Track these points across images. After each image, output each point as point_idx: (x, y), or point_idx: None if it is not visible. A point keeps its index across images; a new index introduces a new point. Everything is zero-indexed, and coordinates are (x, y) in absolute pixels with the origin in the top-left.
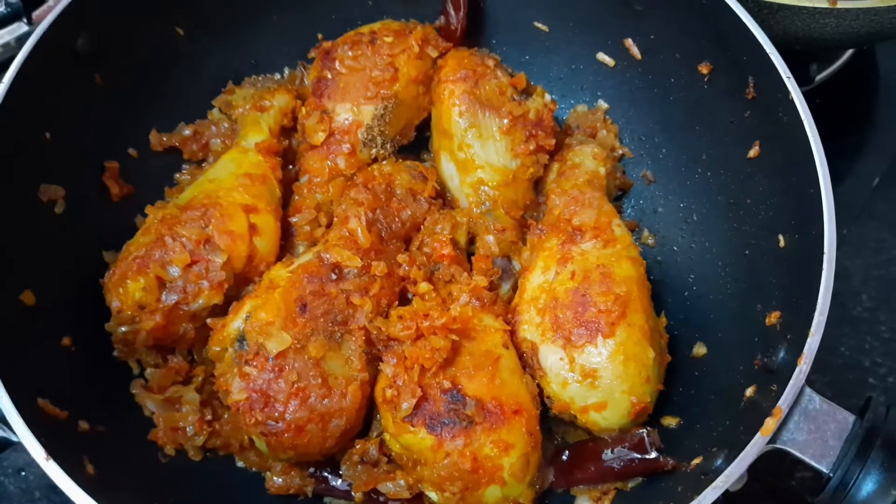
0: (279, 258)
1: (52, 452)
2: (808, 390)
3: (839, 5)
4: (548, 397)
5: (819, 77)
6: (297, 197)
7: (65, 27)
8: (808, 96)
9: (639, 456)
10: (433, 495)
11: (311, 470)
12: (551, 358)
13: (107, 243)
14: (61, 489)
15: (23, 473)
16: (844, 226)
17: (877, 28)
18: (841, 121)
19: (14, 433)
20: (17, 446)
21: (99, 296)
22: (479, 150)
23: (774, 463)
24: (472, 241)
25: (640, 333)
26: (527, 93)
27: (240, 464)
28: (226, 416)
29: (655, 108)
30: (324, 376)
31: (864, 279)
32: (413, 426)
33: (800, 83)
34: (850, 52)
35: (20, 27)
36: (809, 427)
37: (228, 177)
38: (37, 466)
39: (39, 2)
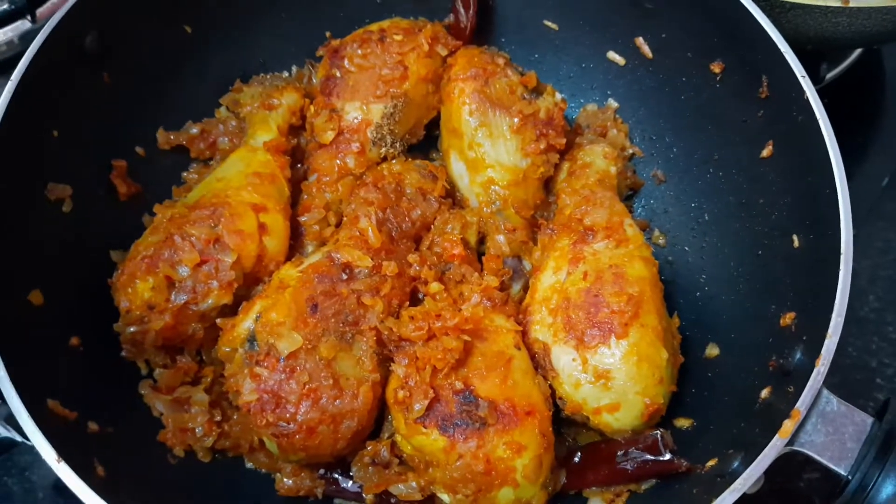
0: (288, 258)
1: (63, 454)
2: (825, 392)
3: (851, 4)
4: (560, 398)
5: (828, 77)
6: (306, 196)
7: (73, 25)
8: (817, 95)
9: (652, 457)
10: (445, 497)
11: (322, 471)
12: (564, 359)
13: (114, 242)
14: (69, 490)
15: (26, 473)
16: (853, 226)
17: (889, 27)
18: (849, 120)
19: (18, 433)
20: (21, 446)
21: (107, 296)
22: (489, 149)
23: (783, 463)
24: (482, 240)
25: (654, 334)
26: (537, 91)
27: (249, 465)
28: (235, 416)
29: (666, 107)
30: (335, 377)
31: (871, 279)
32: (425, 427)
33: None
34: (857, 51)
35: (24, 24)
36: (827, 429)
37: (237, 176)
38: (41, 467)
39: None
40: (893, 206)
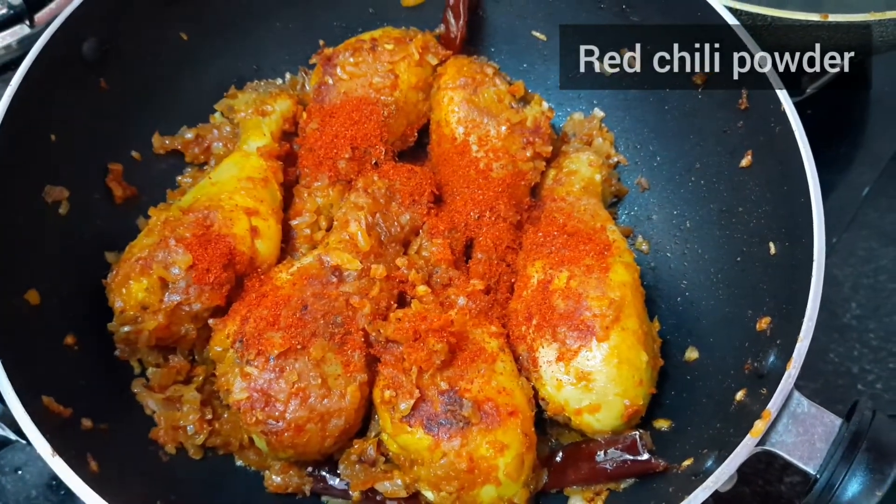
0: (280, 260)
1: (58, 449)
2: (796, 394)
3: (831, 18)
4: (542, 399)
5: (810, 88)
6: (297, 200)
7: (71, 32)
8: (799, 107)
9: (631, 457)
10: (429, 494)
11: (310, 469)
12: (546, 360)
13: (109, 244)
14: (62, 486)
15: (20, 472)
16: (834, 235)
17: (867, 41)
18: (832, 131)
19: (12, 432)
20: (15, 445)
21: (101, 296)
22: None
23: (763, 467)
24: (469, 245)
25: (634, 338)
26: (524, 100)
27: (239, 462)
28: (225, 415)
29: (650, 117)
30: (323, 377)
31: (853, 287)
32: (411, 426)
33: (791, 94)
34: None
35: (22, 29)
36: (797, 430)
37: (230, 180)
38: (34, 465)
39: (42, 4)
40: (875, 216)
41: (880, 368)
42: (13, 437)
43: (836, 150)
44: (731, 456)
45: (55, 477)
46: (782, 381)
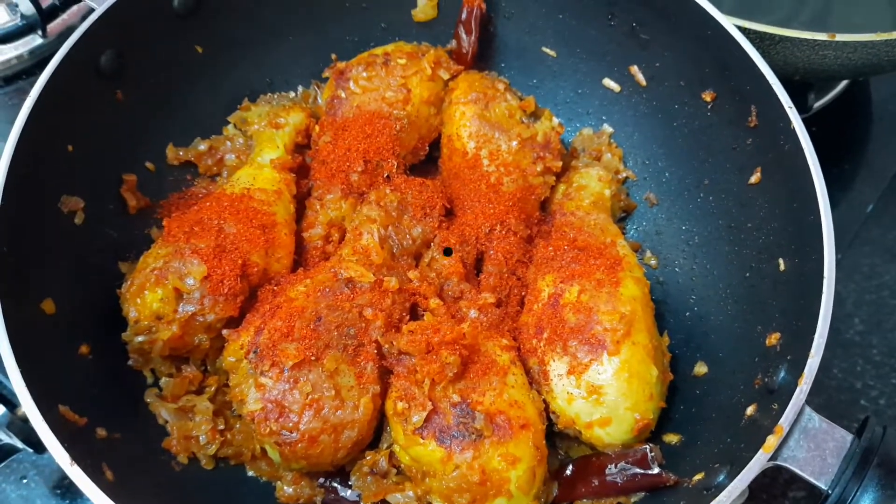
0: (293, 272)
1: (75, 458)
2: (807, 409)
3: (838, 38)
4: (553, 412)
5: (816, 105)
6: (310, 212)
7: (90, 44)
8: (805, 124)
9: (641, 471)
10: None
11: (321, 480)
12: (557, 374)
13: (123, 254)
14: (66, 496)
15: (24, 481)
16: (838, 251)
17: (873, 60)
18: (836, 148)
19: (19, 440)
20: (21, 454)
21: (115, 306)
22: None
23: (768, 482)
24: (480, 258)
25: (644, 352)
26: (535, 116)
27: (251, 473)
28: (237, 425)
29: (659, 133)
30: (337, 388)
31: (856, 303)
32: (423, 438)
33: (798, 111)
34: (845, 81)
35: (34, 40)
36: (809, 445)
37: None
38: (39, 474)
39: (54, 16)
40: (879, 232)
41: (883, 384)
42: (20, 445)
43: (839, 167)
44: (744, 471)
45: (59, 486)
46: (794, 397)
